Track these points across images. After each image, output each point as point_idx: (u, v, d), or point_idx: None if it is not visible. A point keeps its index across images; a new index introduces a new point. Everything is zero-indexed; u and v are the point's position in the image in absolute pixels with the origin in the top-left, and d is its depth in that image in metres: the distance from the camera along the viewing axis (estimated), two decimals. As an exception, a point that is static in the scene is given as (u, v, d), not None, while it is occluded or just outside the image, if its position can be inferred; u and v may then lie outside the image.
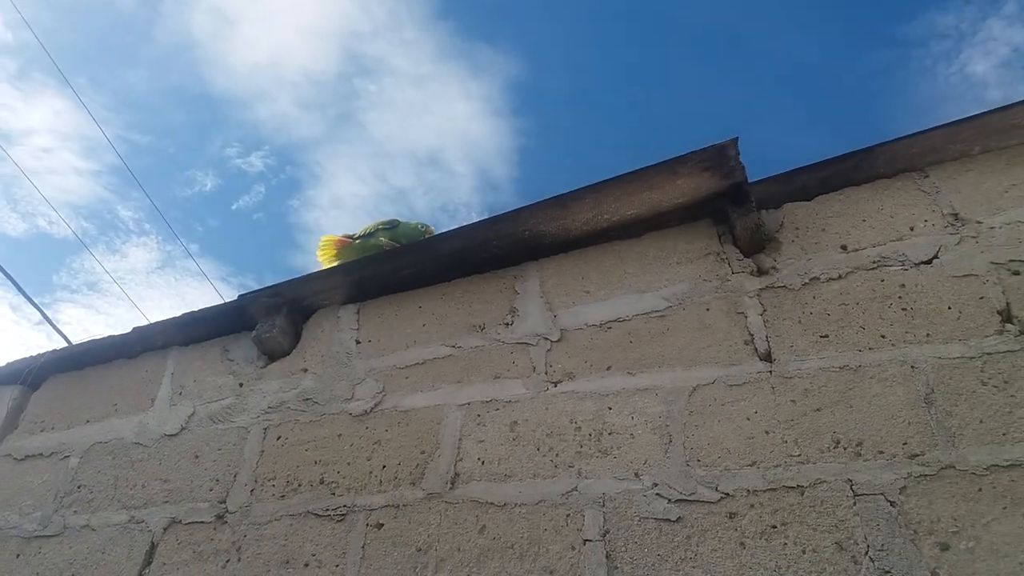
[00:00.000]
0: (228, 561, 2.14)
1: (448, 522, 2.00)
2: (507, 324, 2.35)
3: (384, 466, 2.18)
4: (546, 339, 2.27)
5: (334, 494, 2.18)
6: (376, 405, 2.32)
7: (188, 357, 2.80)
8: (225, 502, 2.29)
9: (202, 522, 2.27)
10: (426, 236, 2.97)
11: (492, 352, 2.30)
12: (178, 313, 2.79)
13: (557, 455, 2.02)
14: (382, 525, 2.06)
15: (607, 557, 1.80)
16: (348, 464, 2.23)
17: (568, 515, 1.90)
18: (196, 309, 2.74)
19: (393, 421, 2.27)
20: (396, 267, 2.54)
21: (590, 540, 1.84)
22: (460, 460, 2.10)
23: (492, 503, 1.99)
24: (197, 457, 2.45)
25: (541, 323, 2.31)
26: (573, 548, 1.84)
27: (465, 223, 2.47)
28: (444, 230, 2.51)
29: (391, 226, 3.08)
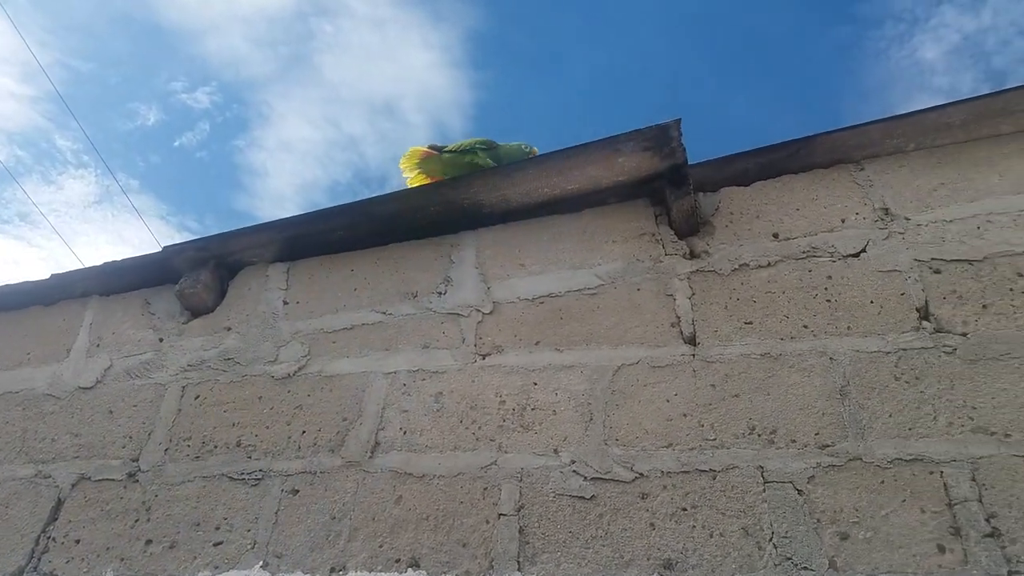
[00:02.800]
0: (137, 521, 2.09)
1: (365, 491, 1.98)
2: (440, 293, 2.32)
3: (304, 431, 2.14)
4: (478, 311, 2.25)
5: (250, 457, 2.14)
6: (300, 369, 2.28)
7: (108, 308, 2.70)
8: (137, 460, 2.23)
9: (112, 480, 2.21)
10: (530, 155, 2.80)
11: (423, 321, 2.27)
12: (110, 254, 2.68)
13: (480, 428, 2.01)
14: (297, 491, 2.03)
15: (520, 532, 1.81)
16: (267, 428, 2.19)
17: (485, 488, 1.90)
18: (119, 259, 2.63)
19: (316, 386, 2.23)
20: (330, 227, 2.47)
21: (505, 514, 1.85)
22: (382, 429, 2.08)
23: (411, 474, 1.98)
24: (111, 413, 2.37)
25: (474, 294, 2.29)
26: (487, 522, 1.85)
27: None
28: (381, 193, 2.45)
29: (488, 146, 2.92)
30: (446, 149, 2.98)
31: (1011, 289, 1.92)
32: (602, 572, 1.71)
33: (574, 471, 1.88)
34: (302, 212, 2.48)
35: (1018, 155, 2.17)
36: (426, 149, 3.01)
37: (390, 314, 2.31)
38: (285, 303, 2.46)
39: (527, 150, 2.94)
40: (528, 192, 2.35)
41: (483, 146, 2.94)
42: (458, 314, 2.25)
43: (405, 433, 2.05)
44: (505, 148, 2.96)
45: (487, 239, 2.41)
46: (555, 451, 1.92)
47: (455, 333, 2.22)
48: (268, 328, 2.42)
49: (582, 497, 1.83)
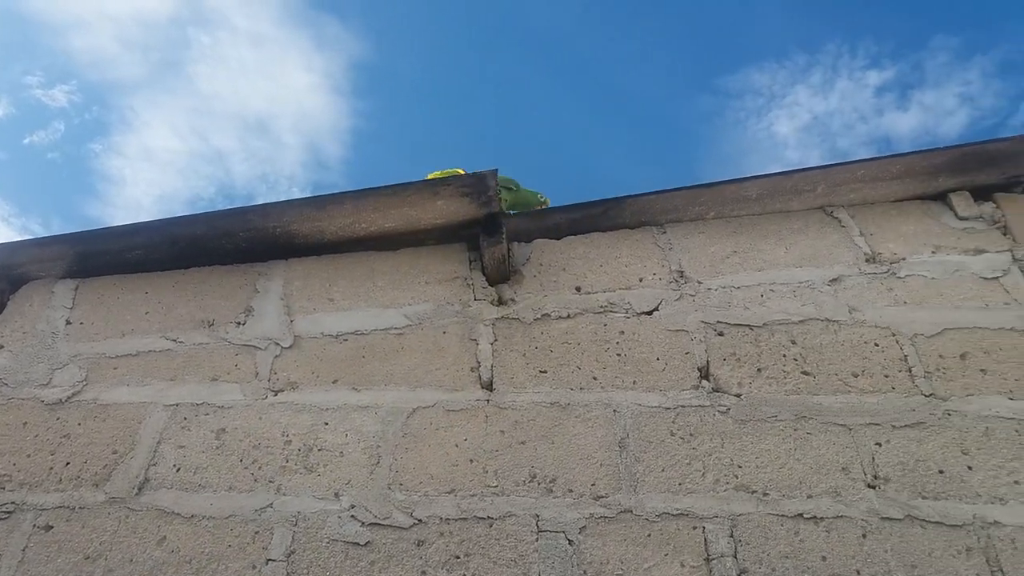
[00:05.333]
0: None
1: (126, 530, 1.83)
2: (239, 323, 2.22)
3: (68, 463, 1.96)
4: (277, 344, 2.16)
5: (3, 488, 1.93)
6: (74, 395, 2.10)
7: None
8: None
9: None
10: (542, 206, 2.76)
11: (215, 351, 2.16)
12: None
13: (260, 468, 1.92)
14: (51, 527, 1.85)
15: (288, 579, 1.72)
16: (28, 456, 1.99)
17: (257, 532, 1.80)
18: None
19: (89, 414, 2.06)
20: (128, 246, 2.32)
21: (273, 560, 1.75)
22: (154, 465, 1.94)
23: (179, 514, 1.85)
24: None
25: (276, 327, 2.21)
26: (254, 567, 1.75)
27: (274, 200, 2.28)
28: (185, 214, 2.33)
29: (512, 187, 2.87)
30: None
31: (784, 355, 2.05)
32: (366, 622, 1.65)
33: (352, 516, 1.81)
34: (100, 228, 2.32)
35: (803, 231, 2.35)
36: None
37: (181, 342, 2.18)
38: (68, 323, 2.28)
39: (542, 200, 2.95)
40: (344, 227, 2.31)
41: (506, 184, 2.92)
42: (255, 346, 2.16)
43: (179, 470, 1.93)
44: (523, 193, 2.95)
45: (298, 270, 2.34)
46: (336, 495, 1.85)
47: (249, 366, 2.12)
48: (45, 349, 2.22)
49: (356, 543, 1.77)
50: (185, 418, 2.02)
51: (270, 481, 1.89)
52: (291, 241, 2.34)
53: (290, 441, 1.96)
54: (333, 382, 2.07)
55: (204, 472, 1.92)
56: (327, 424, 1.98)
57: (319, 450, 1.94)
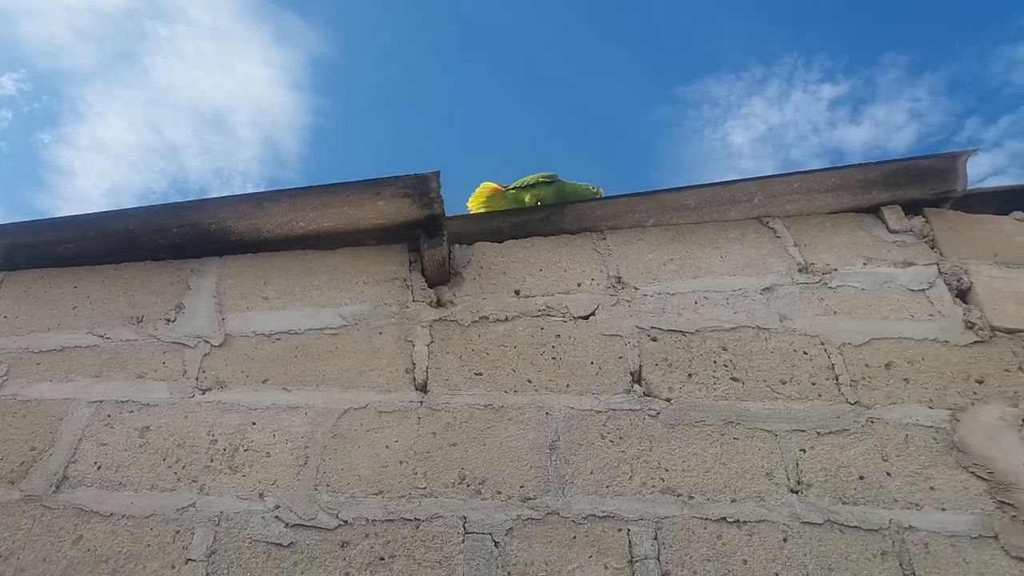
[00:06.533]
0: None
1: (41, 528, 1.78)
2: (169, 320, 2.18)
3: (-17, 460, 1.90)
4: (207, 342, 2.13)
5: (-87, 487, 1.87)
6: (-7, 390, 2.03)
7: None
8: None
9: None
10: (597, 195, 2.76)
11: (143, 348, 2.11)
12: None
13: (184, 467, 1.88)
14: (-38, 527, 1.79)
15: (207, 580, 1.69)
16: (-59, 454, 1.92)
17: (178, 532, 1.77)
18: None
19: (9, 410, 2.00)
20: (58, 239, 2.26)
21: (193, 560, 1.72)
22: (74, 462, 1.89)
23: (97, 512, 1.80)
24: None
25: (207, 324, 2.17)
26: (173, 567, 1.71)
27: (228, 194, 2.24)
28: (121, 207, 2.28)
29: (549, 180, 2.86)
30: (511, 187, 2.97)
31: (715, 361, 2.08)
32: (286, 624, 1.62)
33: (276, 517, 1.79)
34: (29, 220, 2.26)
35: (739, 241, 2.39)
36: (495, 187, 2.99)
37: (108, 338, 2.13)
38: (-9, 316, 2.21)
39: (594, 190, 2.92)
40: (282, 225, 2.28)
41: (546, 180, 2.92)
42: (184, 344, 2.12)
43: (99, 468, 1.88)
44: (571, 185, 2.93)
45: (233, 268, 2.31)
46: (261, 495, 1.83)
47: (177, 364, 2.08)
48: (-35, 343, 2.15)
49: (279, 544, 1.74)
50: (109, 415, 1.97)
51: (193, 481, 1.85)
52: (227, 238, 2.31)
53: (216, 441, 1.92)
54: (263, 382, 2.04)
55: (126, 470, 1.87)
56: (255, 424, 1.95)
57: (245, 450, 1.91)
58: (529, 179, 3.00)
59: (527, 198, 2.93)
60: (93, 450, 1.91)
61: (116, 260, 2.31)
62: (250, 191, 2.23)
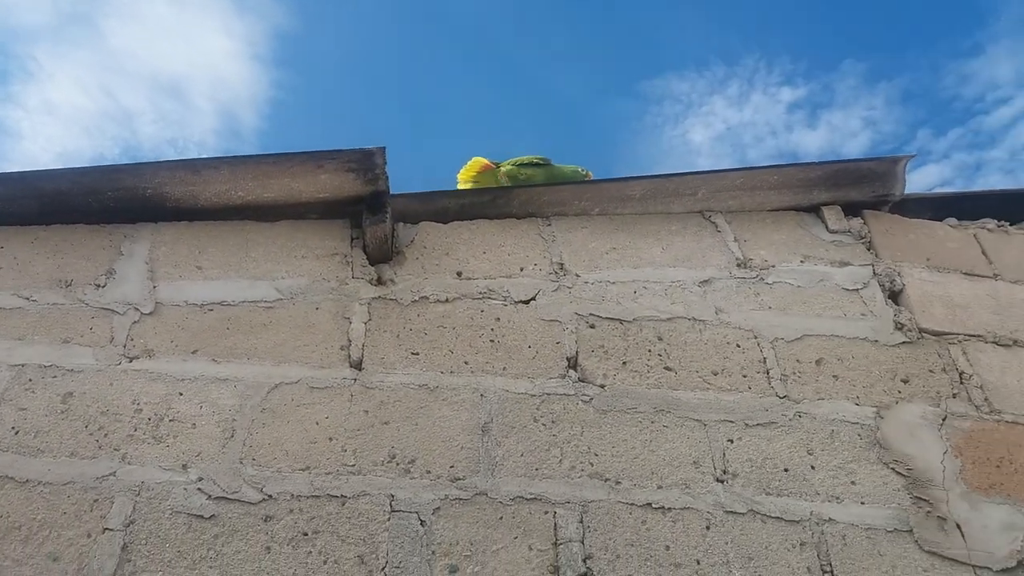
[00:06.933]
0: None
1: (-50, 494, 1.72)
2: (99, 286, 2.12)
3: None
4: (137, 309, 2.07)
5: None
6: (-93, 350, 1.95)
7: None
8: None
9: None
10: (587, 178, 2.84)
11: (70, 313, 2.05)
12: None
13: (106, 435, 1.83)
14: None
15: (122, 549, 1.65)
16: None
17: (96, 500, 1.72)
18: None
19: (-78, 371, 1.92)
20: (-15, 198, 2.18)
21: (111, 529, 1.68)
22: (-11, 426, 1.83)
23: (12, 478, 1.75)
24: None
25: (137, 291, 2.11)
26: (89, 536, 1.67)
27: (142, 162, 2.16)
28: (53, 167, 2.20)
29: (542, 163, 2.90)
30: (502, 164, 2.98)
31: (649, 350, 2.10)
32: (203, 597, 1.59)
33: (199, 489, 1.75)
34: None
35: (681, 233, 2.41)
36: (486, 163, 2.99)
37: (34, 300, 2.06)
38: (-91, 274, 2.12)
39: (583, 173, 2.95)
40: (220, 193, 2.23)
41: (538, 162, 2.95)
42: (113, 311, 2.06)
43: (17, 433, 1.82)
44: (560, 169, 2.96)
45: (167, 235, 2.25)
46: (184, 466, 1.79)
47: (104, 331, 2.02)
48: None
49: (201, 516, 1.71)
50: (30, 379, 1.91)
51: (116, 449, 1.81)
52: (163, 204, 2.25)
53: (141, 410, 1.88)
54: (193, 352, 2.00)
55: (45, 436, 1.82)
56: (182, 395, 1.91)
57: (171, 420, 1.87)
58: (523, 159, 3.03)
59: (522, 176, 2.97)
60: (11, 414, 1.84)
61: (47, 222, 2.24)
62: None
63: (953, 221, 2.63)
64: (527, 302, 2.18)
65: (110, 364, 1.95)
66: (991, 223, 2.65)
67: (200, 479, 1.77)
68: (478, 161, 3.08)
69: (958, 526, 1.86)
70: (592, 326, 2.14)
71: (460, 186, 3.04)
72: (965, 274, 2.44)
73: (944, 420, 2.06)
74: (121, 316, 2.05)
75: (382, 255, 2.24)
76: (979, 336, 2.27)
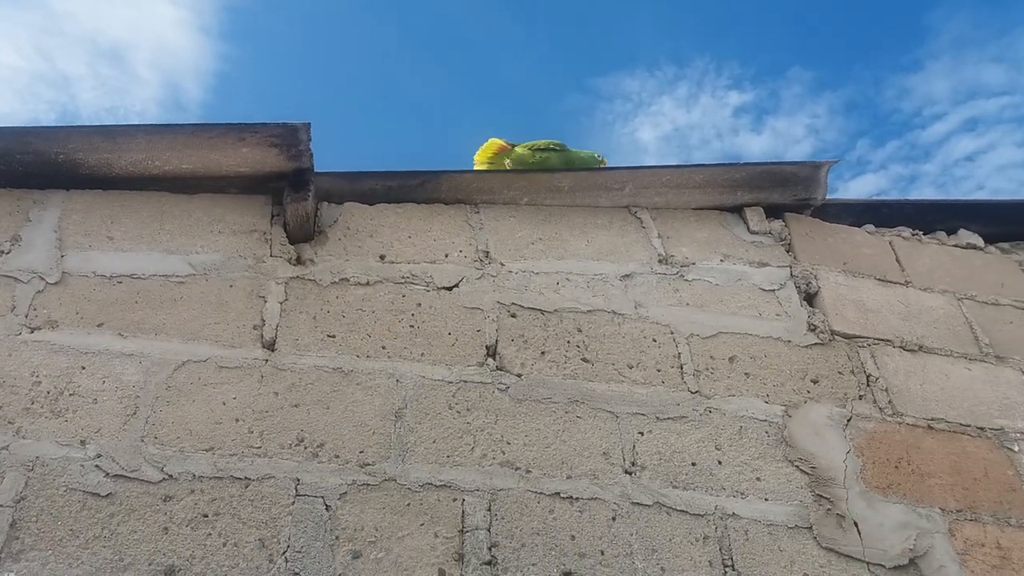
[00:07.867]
0: None
1: None
2: (3, 252, 2.02)
3: None
4: (42, 279, 1.99)
5: None
6: None
7: None
8: None
9: None
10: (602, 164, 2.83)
11: (-32, 279, 1.96)
12: None
13: (1, 408, 1.76)
14: None
15: (11, 525, 1.58)
16: None
17: (-16, 476, 1.65)
18: None
19: None
20: None
21: (1, 506, 1.61)
22: None
23: None
24: None
25: (44, 260, 2.03)
26: (-26, 513, 1.60)
27: None
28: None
29: (559, 148, 2.86)
30: (518, 146, 2.93)
31: (568, 341, 2.12)
32: (95, 575, 1.55)
33: (97, 466, 1.70)
34: None
35: (606, 227, 2.43)
36: (502, 143, 2.92)
37: (-72, 265, 1.97)
38: None
39: (599, 159, 2.91)
40: (136, 163, 2.16)
41: (556, 147, 2.90)
42: (16, 279, 1.97)
43: (-99, 404, 1.73)
44: (576, 154, 2.91)
45: (78, 203, 2.16)
46: (82, 442, 1.73)
47: (6, 299, 1.93)
48: None
49: (97, 494, 1.66)
50: (-82, 348, 1.82)
51: (10, 422, 1.74)
52: (75, 171, 2.16)
53: (39, 382, 1.81)
54: (98, 325, 1.93)
55: (-69, 408, 1.73)
56: (84, 368, 1.85)
57: (71, 395, 1.80)
58: (539, 143, 2.99)
59: (538, 159, 2.93)
60: None
61: (-52, 183, 2.13)
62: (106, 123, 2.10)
63: (871, 227, 2.71)
64: (450, 289, 2.17)
65: (9, 334, 1.87)
66: (906, 231, 2.74)
67: (99, 456, 1.71)
68: (494, 142, 3.02)
69: (855, 524, 1.93)
70: (514, 315, 2.14)
71: (476, 167, 2.99)
72: (879, 280, 2.53)
73: (849, 421, 2.13)
74: (24, 284, 1.97)
75: (303, 234, 2.20)
76: (888, 340, 2.35)
